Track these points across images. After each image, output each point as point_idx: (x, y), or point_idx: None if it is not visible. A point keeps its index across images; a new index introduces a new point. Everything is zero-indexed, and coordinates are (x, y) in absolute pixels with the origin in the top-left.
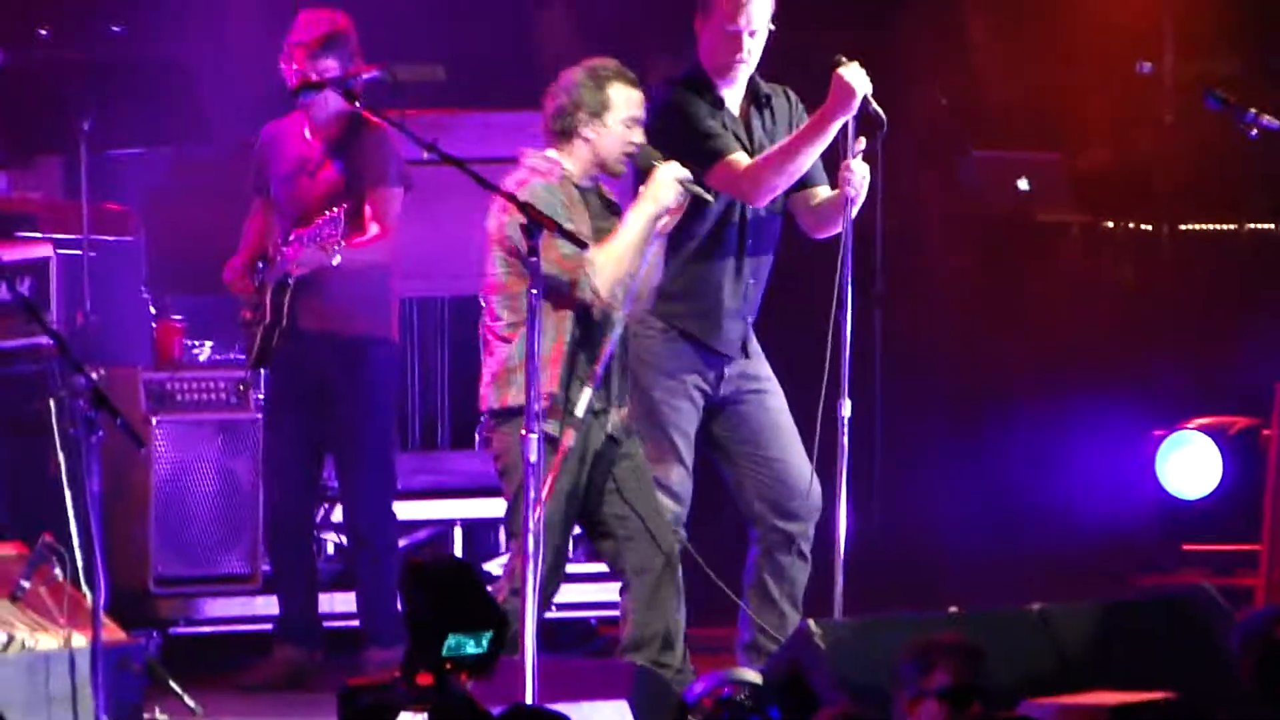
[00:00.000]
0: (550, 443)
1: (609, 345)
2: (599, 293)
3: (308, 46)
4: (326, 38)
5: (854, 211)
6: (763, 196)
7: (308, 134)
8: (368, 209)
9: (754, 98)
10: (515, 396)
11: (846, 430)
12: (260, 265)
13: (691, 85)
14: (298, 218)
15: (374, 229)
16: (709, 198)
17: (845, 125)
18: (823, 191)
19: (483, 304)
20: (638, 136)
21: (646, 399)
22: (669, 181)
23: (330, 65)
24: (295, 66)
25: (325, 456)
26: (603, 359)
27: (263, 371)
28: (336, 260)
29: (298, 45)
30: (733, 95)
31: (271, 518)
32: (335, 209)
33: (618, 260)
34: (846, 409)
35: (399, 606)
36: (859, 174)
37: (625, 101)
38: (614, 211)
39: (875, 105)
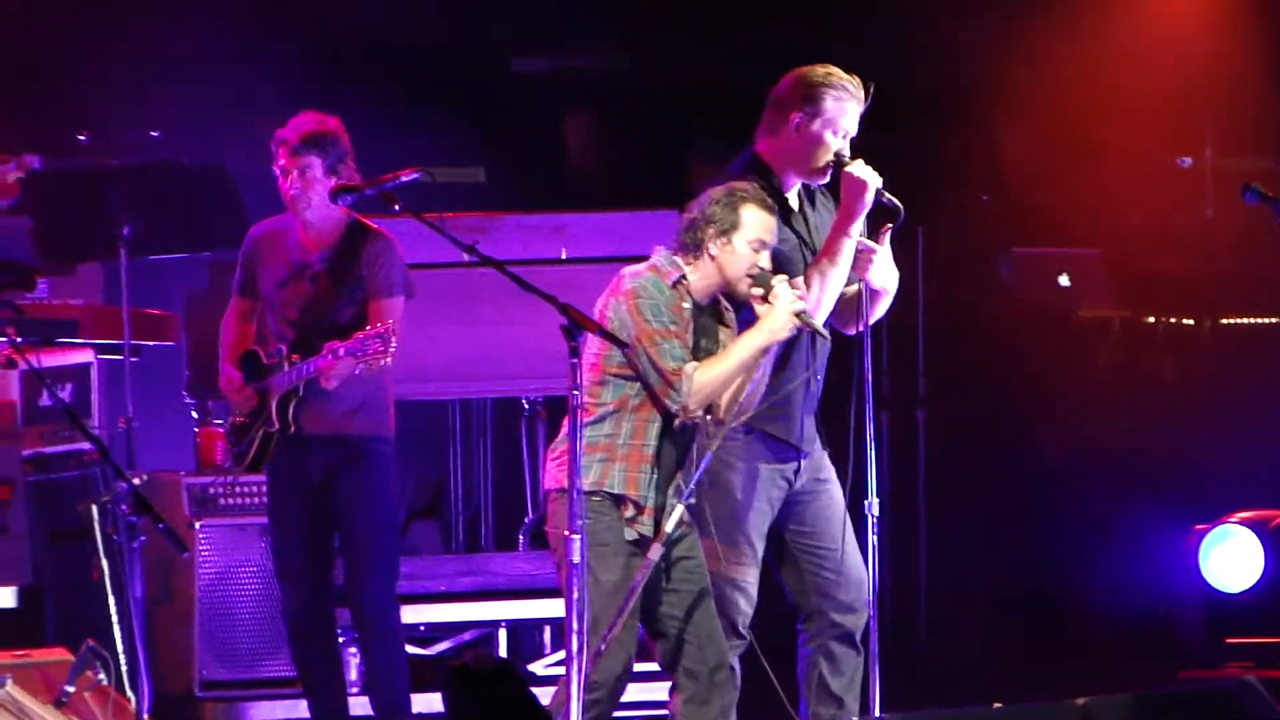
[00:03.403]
0: (639, 543)
1: (705, 461)
2: (687, 407)
3: (289, 143)
4: (310, 135)
5: (885, 304)
6: (822, 315)
7: (303, 237)
8: (371, 314)
9: (805, 189)
10: (592, 480)
11: (875, 528)
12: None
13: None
14: (297, 323)
15: None
16: (824, 334)
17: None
18: (849, 289)
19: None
20: (764, 261)
21: (730, 501)
22: (786, 315)
23: (313, 162)
24: (281, 163)
25: (333, 555)
26: (696, 474)
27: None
28: (385, 362)
29: (280, 142)
30: (791, 186)
31: (290, 619)
32: (382, 324)
33: (718, 381)
34: (875, 507)
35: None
36: (879, 253)
37: (757, 224)
38: (725, 323)
39: (889, 196)
